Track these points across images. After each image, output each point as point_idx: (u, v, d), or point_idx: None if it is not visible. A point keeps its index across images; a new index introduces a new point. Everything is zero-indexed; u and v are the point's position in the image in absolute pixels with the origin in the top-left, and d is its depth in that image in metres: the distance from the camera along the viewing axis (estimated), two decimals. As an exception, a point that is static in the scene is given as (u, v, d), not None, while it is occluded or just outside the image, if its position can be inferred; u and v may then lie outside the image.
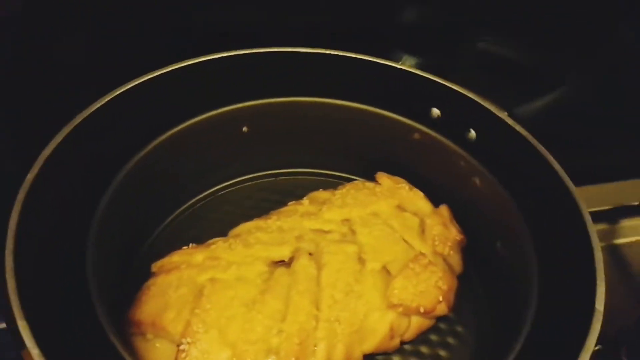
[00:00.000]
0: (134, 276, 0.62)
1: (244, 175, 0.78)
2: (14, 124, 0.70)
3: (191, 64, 0.66)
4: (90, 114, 0.59)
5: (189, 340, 0.52)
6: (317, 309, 0.56)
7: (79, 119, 0.58)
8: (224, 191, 0.77)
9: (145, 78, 0.64)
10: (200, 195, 0.75)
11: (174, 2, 0.70)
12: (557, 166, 0.59)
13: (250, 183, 0.78)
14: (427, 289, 0.59)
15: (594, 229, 0.52)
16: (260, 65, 0.69)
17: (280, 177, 0.80)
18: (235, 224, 0.66)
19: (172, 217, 0.72)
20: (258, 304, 0.55)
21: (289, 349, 0.53)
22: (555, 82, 0.75)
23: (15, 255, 0.46)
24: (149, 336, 0.54)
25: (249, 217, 0.67)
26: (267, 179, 0.79)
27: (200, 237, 0.66)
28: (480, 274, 0.68)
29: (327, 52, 0.71)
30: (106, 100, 0.61)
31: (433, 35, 0.80)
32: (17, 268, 0.45)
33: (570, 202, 0.55)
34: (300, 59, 0.70)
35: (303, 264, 0.59)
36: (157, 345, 0.54)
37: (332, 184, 0.76)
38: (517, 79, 0.76)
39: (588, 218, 0.54)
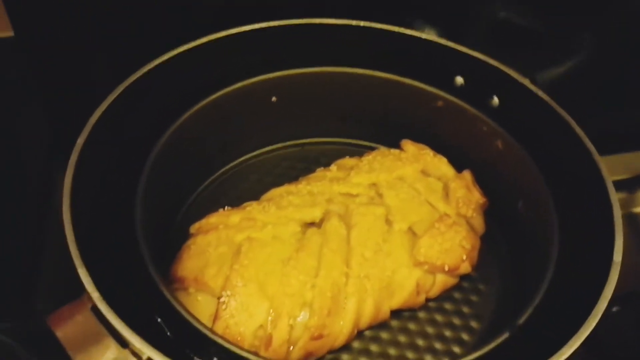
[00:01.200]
0: (171, 240, 0.65)
1: (271, 144, 0.81)
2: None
3: (222, 37, 0.69)
4: (129, 85, 0.63)
5: (229, 293, 0.55)
6: (348, 266, 0.59)
7: (119, 89, 0.62)
8: (252, 160, 0.80)
9: (179, 51, 0.67)
10: (230, 164, 0.78)
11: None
12: (578, 130, 0.61)
13: (277, 152, 0.81)
14: (452, 247, 0.62)
15: (612, 187, 0.55)
16: (288, 36, 0.72)
17: (307, 146, 0.83)
18: (265, 190, 0.69)
19: (204, 185, 0.75)
20: (293, 260, 0.58)
21: (322, 303, 0.57)
22: (575, 47, 0.77)
23: (71, 211, 0.49)
24: (191, 290, 0.58)
25: (278, 184, 0.70)
26: (293, 148, 0.82)
27: (233, 203, 0.69)
28: (503, 234, 0.71)
29: (353, 23, 0.73)
30: (142, 72, 0.64)
31: (454, 4, 0.82)
32: (74, 223, 0.49)
33: (590, 162, 0.58)
34: (326, 30, 0.73)
35: (334, 224, 0.62)
36: (199, 298, 0.57)
37: (357, 152, 0.79)
38: (538, 46, 0.78)
39: (607, 177, 0.56)
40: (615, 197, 0.54)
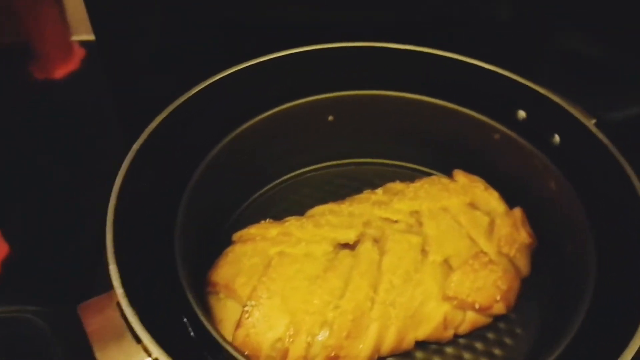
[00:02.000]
0: (220, 243, 0.69)
1: (326, 161, 0.82)
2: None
3: (284, 55, 0.71)
4: (191, 96, 0.67)
5: (253, 303, 0.58)
6: (375, 291, 0.60)
7: (181, 99, 0.66)
8: (306, 175, 0.82)
9: (242, 66, 0.70)
10: (284, 177, 0.80)
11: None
12: (635, 180, 0.57)
13: (332, 169, 0.83)
14: (485, 286, 0.61)
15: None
16: (350, 58, 0.73)
17: (362, 166, 0.83)
18: (313, 205, 0.71)
19: (256, 195, 0.78)
20: (320, 279, 0.59)
21: (343, 324, 0.57)
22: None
23: (115, 211, 0.54)
24: (221, 295, 0.61)
25: (326, 201, 0.71)
26: (348, 167, 0.83)
27: (280, 215, 0.71)
28: (550, 278, 0.68)
29: (417, 48, 0.73)
30: (206, 84, 0.68)
31: (520, 32, 0.79)
32: (115, 222, 0.53)
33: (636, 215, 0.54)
34: (389, 54, 0.73)
35: (367, 247, 0.62)
36: (228, 304, 0.60)
37: (410, 176, 0.78)
38: (609, 83, 0.73)
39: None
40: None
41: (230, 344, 0.52)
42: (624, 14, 0.74)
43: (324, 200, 0.72)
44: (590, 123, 0.65)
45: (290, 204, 0.78)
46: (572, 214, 0.62)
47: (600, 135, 0.62)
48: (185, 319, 0.55)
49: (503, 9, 0.79)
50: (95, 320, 0.48)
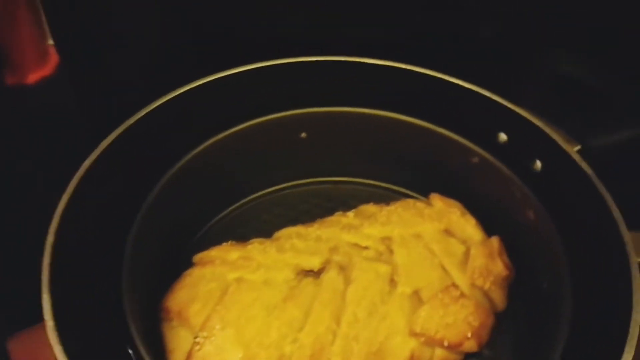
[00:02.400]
0: (184, 263, 0.65)
1: (302, 179, 0.79)
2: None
3: (254, 68, 0.68)
4: (153, 109, 0.63)
5: (205, 334, 0.54)
6: (337, 324, 0.56)
7: (141, 113, 0.63)
8: (281, 192, 0.78)
9: (210, 79, 0.67)
10: (256, 194, 0.77)
11: (242, 8, 0.73)
12: (616, 214, 0.53)
13: (308, 187, 0.79)
14: (455, 322, 0.57)
15: (638, 285, 0.47)
16: (324, 73, 0.70)
17: (339, 185, 0.80)
18: (284, 225, 0.68)
19: (226, 212, 0.75)
20: (278, 309, 0.56)
21: (301, 359, 0.54)
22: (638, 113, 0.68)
23: (56, 233, 0.50)
24: (174, 323, 0.57)
25: (298, 221, 0.68)
26: (324, 185, 0.80)
27: (249, 235, 0.68)
28: (526, 312, 0.64)
29: (394, 64, 0.70)
30: (170, 97, 0.65)
31: (505, 52, 0.75)
32: (56, 244, 0.50)
33: (621, 255, 0.50)
34: (365, 69, 0.70)
35: (331, 276, 0.59)
36: (180, 333, 0.56)
37: (388, 197, 0.75)
38: (596, 108, 0.69)
39: (636, 275, 0.48)
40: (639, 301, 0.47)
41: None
42: (612, 37, 0.71)
43: (296, 220, 0.69)
44: (573, 150, 0.61)
45: (261, 224, 0.74)
46: (549, 246, 0.58)
47: (583, 164, 0.59)
48: (130, 351, 0.51)
49: (488, 27, 0.75)
50: (23, 353, 0.44)
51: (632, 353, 0.44)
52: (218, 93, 0.68)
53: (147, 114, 0.63)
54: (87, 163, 0.57)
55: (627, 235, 0.51)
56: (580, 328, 0.52)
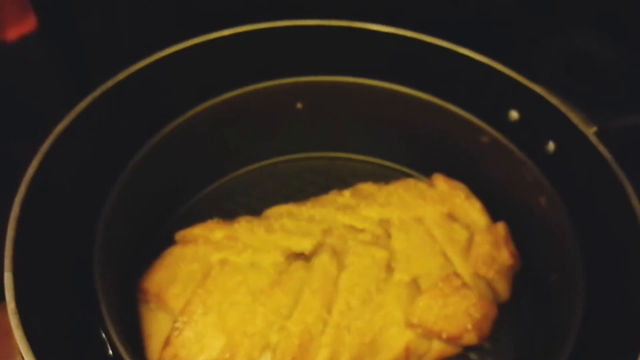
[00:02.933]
0: (164, 240, 0.61)
1: (296, 153, 0.74)
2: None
3: (246, 31, 0.62)
4: (132, 73, 0.58)
5: (185, 319, 0.50)
6: (328, 312, 0.52)
7: (122, 75, 0.57)
8: (274, 167, 0.73)
9: (197, 41, 0.61)
10: (246, 168, 0.72)
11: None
12: (635, 203, 0.49)
13: (302, 162, 0.74)
14: (455, 313, 0.53)
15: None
16: (323, 38, 0.64)
17: (335, 161, 0.75)
18: (275, 202, 0.63)
19: (213, 185, 0.70)
20: (264, 295, 0.51)
21: (287, 349, 0.50)
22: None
23: (22, 204, 0.45)
24: (152, 306, 0.53)
25: (291, 198, 0.64)
26: (320, 161, 0.74)
27: (236, 212, 0.64)
28: (531, 305, 0.60)
29: (401, 32, 0.64)
30: (151, 60, 0.59)
31: (522, 25, 0.70)
32: (21, 217, 0.45)
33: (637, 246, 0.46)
34: (368, 36, 0.64)
35: (323, 261, 0.54)
36: (158, 317, 0.52)
37: (387, 176, 0.71)
38: (615, 88, 0.64)
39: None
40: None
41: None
42: (635, 13, 0.65)
43: (288, 198, 0.65)
44: (590, 131, 0.56)
45: (250, 200, 0.69)
46: (561, 235, 0.54)
47: (601, 147, 0.54)
48: (103, 335, 0.47)
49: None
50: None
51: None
52: (206, 57, 0.62)
53: (127, 77, 0.57)
54: (59, 128, 0.52)
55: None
56: (592, 326, 0.48)
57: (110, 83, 0.56)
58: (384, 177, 0.69)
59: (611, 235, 0.50)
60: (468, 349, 0.57)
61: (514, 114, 0.62)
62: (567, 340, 0.47)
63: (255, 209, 0.63)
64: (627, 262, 0.47)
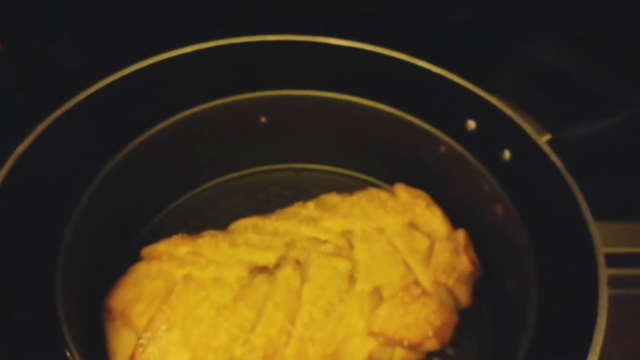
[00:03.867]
0: (131, 257, 0.61)
1: (262, 165, 0.75)
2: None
3: (209, 47, 0.63)
4: (100, 88, 0.59)
5: (149, 335, 0.50)
6: (292, 324, 0.53)
7: (85, 94, 0.58)
8: (240, 180, 0.74)
9: (161, 58, 0.62)
10: (213, 182, 0.73)
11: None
12: (584, 208, 0.51)
13: (268, 175, 0.75)
14: (416, 321, 0.54)
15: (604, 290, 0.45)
16: (284, 53, 0.65)
17: (303, 173, 0.76)
18: (242, 215, 0.64)
19: (180, 200, 0.71)
20: (227, 310, 0.52)
21: (251, 363, 0.50)
22: (616, 105, 0.65)
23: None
24: (117, 324, 0.53)
25: (257, 211, 0.65)
26: (286, 173, 0.76)
27: (203, 226, 0.65)
28: (492, 310, 0.62)
29: (359, 46, 0.66)
30: (117, 77, 0.60)
31: (479, 38, 0.72)
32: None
33: (588, 254, 0.47)
34: (328, 50, 0.66)
35: (286, 273, 0.55)
36: (123, 334, 0.53)
37: (353, 185, 0.72)
38: (571, 97, 0.66)
39: (603, 274, 0.46)
40: (605, 294, 0.44)
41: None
42: (591, 26, 0.67)
43: (255, 210, 0.66)
44: (543, 140, 0.58)
45: (218, 214, 0.70)
46: (516, 242, 0.56)
47: (552, 156, 0.56)
48: (68, 353, 0.47)
49: (462, 10, 0.71)
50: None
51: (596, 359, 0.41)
52: (171, 73, 0.63)
53: (89, 95, 0.58)
54: (20, 148, 0.52)
55: (595, 233, 0.48)
56: (544, 330, 0.50)
57: (72, 102, 0.57)
58: (348, 187, 0.70)
59: (562, 240, 0.52)
60: (431, 355, 0.58)
61: (471, 124, 0.64)
62: (520, 344, 0.49)
63: (221, 223, 0.64)
64: (576, 267, 0.49)
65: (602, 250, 0.47)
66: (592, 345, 0.43)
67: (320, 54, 0.66)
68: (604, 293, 0.45)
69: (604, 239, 0.50)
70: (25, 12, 0.66)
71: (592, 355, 0.43)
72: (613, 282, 0.63)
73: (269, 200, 0.72)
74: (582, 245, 0.50)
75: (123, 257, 0.61)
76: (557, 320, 0.49)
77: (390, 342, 0.54)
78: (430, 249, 0.60)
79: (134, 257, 0.59)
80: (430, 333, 0.54)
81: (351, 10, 0.71)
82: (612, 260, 0.58)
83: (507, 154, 0.61)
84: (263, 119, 0.69)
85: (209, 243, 0.57)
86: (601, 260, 0.47)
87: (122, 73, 0.61)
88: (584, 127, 0.64)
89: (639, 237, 0.64)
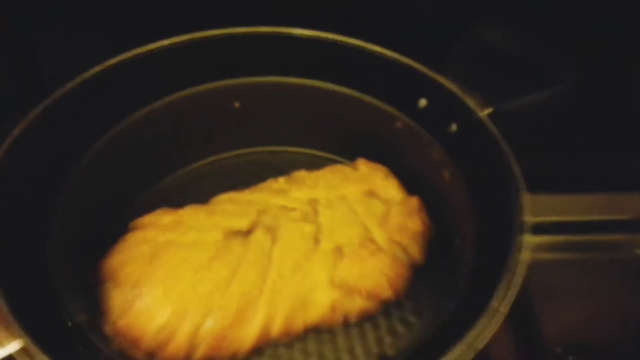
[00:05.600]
0: (121, 231, 0.68)
1: (241, 148, 0.82)
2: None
3: (184, 40, 0.70)
4: (84, 80, 0.65)
5: (135, 293, 0.57)
6: (263, 281, 0.60)
7: (69, 85, 0.64)
8: (218, 163, 0.81)
9: (140, 51, 0.68)
10: (194, 164, 0.79)
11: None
12: (516, 171, 0.58)
13: (246, 157, 0.82)
14: (372, 273, 0.61)
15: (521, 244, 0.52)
16: (252, 44, 0.72)
17: (278, 154, 0.83)
18: (221, 193, 0.71)
19: (163, 181, 0.77)
20: (204, 269, 0.59)
21: (227, 313, 0.57)
22: (551, 78, 0.72)
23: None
24: (108, 285, 0.60)
25: (236, 189, 0.71)
26: (263, 155, 0.82)
27: (185, 203, 0.70)
28: (443, 266, 0.68)
29: (319, 35, 0.72)
30: (98, 69, 0.66)
31: (424, 20, 0.79)
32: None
33: (513, 206, 0.55)
34: (291, 40, 0.72)
35: (258, 237, 0.62)
36: (114, 294, 0.59)
37: (320, 164, 0.77)
38: (510, 71, 0.74)
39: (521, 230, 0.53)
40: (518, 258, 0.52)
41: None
42: (530, 3, 0.75)
43: (233, 188, 0.72)
44: (484, 113, 0.65)
45: (198, 193, 0.75)
46: (460, 206, 0.63)
47: (490, 125, 0.63)
48: (65, 316, 0.54)
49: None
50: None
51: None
52: (149, 64, 0.69)
53: (74, 86, 0.64)
54: (14, 131, 0.58)
55: (523, 189, 0.56)
56: (479, 283, 0.56)
57: (58, 92, 0.63)
58: (316, 165, 0.76)
59: (496, 204, 0.59)
60: (392, 307, 0.65)
61: (422, 102, 0.70)
62: (458, 293, 0.56)
63: (201, 200, 0.70)
64: (506, 227, 0.56)
65: (526, 203, 0.54)
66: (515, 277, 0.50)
67: (285, 44, 0.73)
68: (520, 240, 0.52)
69: (534, 209, 0.57)
70: (17, 2, 0.72)
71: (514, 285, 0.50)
72: (542, 247, 0.73)
73: (246, 179, 0.77)
74: (512, 206, 0.57)
75: (112, 233, 0.67)
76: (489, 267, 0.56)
77: (350, 292, 0.61)
78: (387, 213, 0.67)
79: (123, 232, 0.66)
80: (385, 284, 0.61)
81: (310, 2, 0.78)
82: (541, 228, 0.67)
83: (453, 127, 0.68)
84: (237, 104, 0.75)
85: (190, 213, 0.64)
86: (521, 209, 0.54)
87: (102, 65, 0.66)
88: (522, 101, 0.70)
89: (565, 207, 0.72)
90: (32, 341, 0.46)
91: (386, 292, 0.62)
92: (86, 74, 0.65)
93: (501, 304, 0.48)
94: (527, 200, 0.57)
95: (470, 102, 0.66)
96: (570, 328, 0.70)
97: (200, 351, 0.57)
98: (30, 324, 0.47)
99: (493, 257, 0.53)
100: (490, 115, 0.66)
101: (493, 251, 0.54)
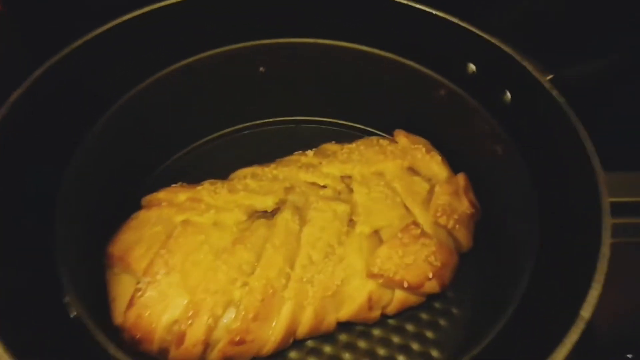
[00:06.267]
0: (133, 208, 0.61)
1: (264, 118, 0.74)
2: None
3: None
4: (95, 36, 0.58)
5: (148, 279, 0.50)
6: (291, 267, 0.53)
7: (79, 42, 0.57)
8: (241, 133, 0.74)
9: (154, 7, 0.61)
10: (212, 135, 0.72)
11: None
12: (587, 142, 0.49)
13: (269, 128, 0.75)
14: (415, 262, 0.54)
15: (609, 225, 0.44)
16: (281, 1, 0.64)
17: (303, 125, 0.75)
18: (242, 167, 0.63)
19: (179, 154, 0.71)
20: (227, 253, 0.52)
21: (250, 305, 0.50)
22: (606, 47, 0.63)
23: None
24: (117, 269, 0.53)
25: (257, 163, 0.64)
26: (287, 125, 0.75)
27: (203, 177, 0.64)
28: (491, 254, 0.61)
29: (356, -10, 0.64)
30: (113, 24, 0.59)
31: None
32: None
33: (592, 190, 0.46)
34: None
35: (285, 217, 0.55)
36: (122, 279, 0.53)
37: (353, 136, 0.71)
38: (567, 37, 0.65)
39: (607, 214, 0.44)
40: (608, 239, 0.43)
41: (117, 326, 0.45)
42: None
43: (254, 162, 0.65)
44: (545, 79, 0.56)
45: (217, 167, 0.68)
46: (517, 184, 0.55)
47: (555, 93, 0.54)
48: (66, 300, 0.48)
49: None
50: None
51: (600, 289, 0.40)
52: (164, 22, 0.62)
53: (85, 42, 0.57)
54: (17, 92, 0.52)
55: (598, 168, 0.47)
56: (544, 274, 0.49)
57: (67, 50, 0.56)
58: (348, 137, 0.69)
59: (565, 180, 0.51)
60: (431, 297, 0.58)
61: (471, 67, 0.62)
62: (521, 281, 0.48)
63: (221, 176, 0.63)
64: (580, 202, 0.48)
65: (605, 183, 0.46)
66: (596, 275, 0.42)
67: (317, 1, 0.65)
68: (607, 224, 0.44)
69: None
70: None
71: (596, 284, 0.42)
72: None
73: (270, 152, 0.70)
74: (585, 181, 0.49)
75: (124, 208, 0.61)
76: (559, 259, 0.49)
77: (390, 284, 0.54)
78: (430, 192, 0.59)
79: (135, 207, 0.59)
80: (430, 274, 0.54)
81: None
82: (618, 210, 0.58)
83: (508, 95, 0.59)
84: (262, 69, 0.68)
85: (208, 190, 0.57)
86: (604, 191, 0.45)
87: (115, 22, 0.60)
88: (582, 68, 0.62)
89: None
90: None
91: (431, 285, 0.54)
92: (91, 34, 0.58)
93: (587, 310, 0.40)
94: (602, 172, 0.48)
95: (529, 66, 0.57)
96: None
97: (219, 348, 0.50)
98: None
99: (571, 248, 0.45)
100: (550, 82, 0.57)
101: (569, 241, 0.46)
